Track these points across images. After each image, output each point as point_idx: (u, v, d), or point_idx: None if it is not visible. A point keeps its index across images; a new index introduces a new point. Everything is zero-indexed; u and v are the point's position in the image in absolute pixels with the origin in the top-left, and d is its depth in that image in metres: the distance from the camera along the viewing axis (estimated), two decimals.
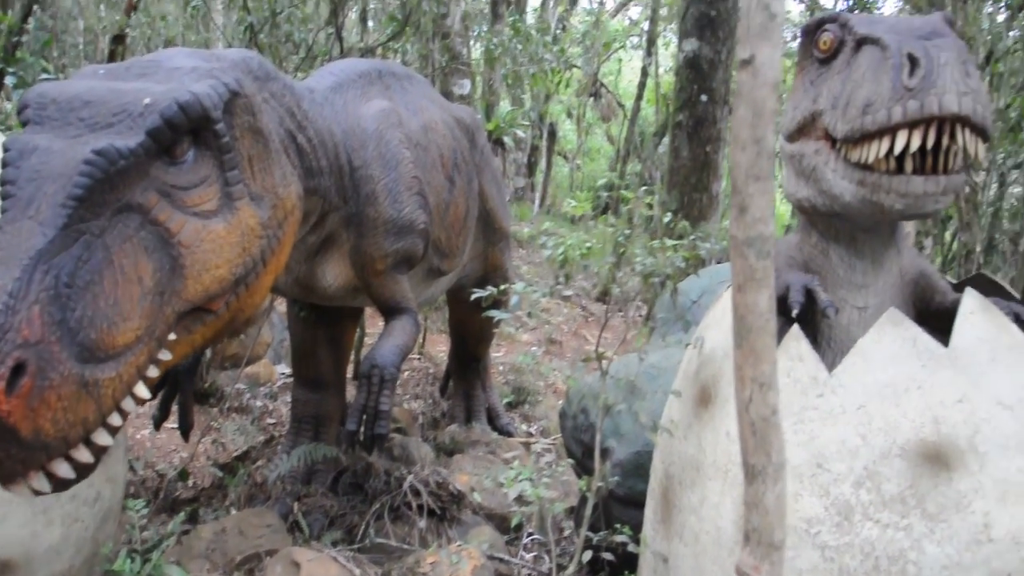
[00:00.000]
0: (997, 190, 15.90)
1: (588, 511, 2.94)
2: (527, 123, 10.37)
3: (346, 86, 3.92)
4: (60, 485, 2.03)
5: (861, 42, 2.45)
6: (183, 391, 3.86)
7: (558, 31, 16.53)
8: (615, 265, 3.00)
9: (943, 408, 2.30)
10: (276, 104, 3.02)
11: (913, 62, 2.25)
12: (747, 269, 1.24)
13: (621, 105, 19.04)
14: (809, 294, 2.50)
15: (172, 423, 4.35)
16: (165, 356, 2.31)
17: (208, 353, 5.88)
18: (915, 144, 2.28)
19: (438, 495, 4.29)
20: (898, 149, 2.30)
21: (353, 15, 9.25)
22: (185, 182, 2.42)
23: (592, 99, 18.77)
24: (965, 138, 2.27)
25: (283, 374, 6.91)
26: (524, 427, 6.53)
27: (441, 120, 4.54)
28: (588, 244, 2.83)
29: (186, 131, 2.40)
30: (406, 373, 7.59)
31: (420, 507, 4.17)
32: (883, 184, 2.39)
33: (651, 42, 17.04)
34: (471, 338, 6.00)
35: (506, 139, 10.05)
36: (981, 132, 2.29)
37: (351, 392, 5.31)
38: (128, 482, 4.05)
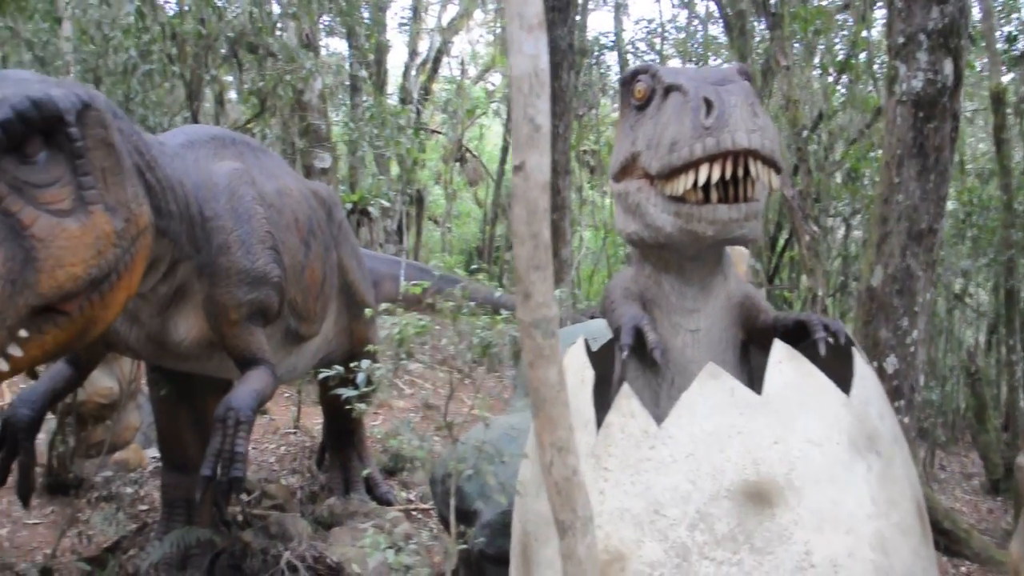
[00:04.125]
0: (844, 236, 16.89)
1: (448, 572, 3.03)
2: (393, 192, 10.54)
3: (198, 145, 3.98)
4: None
5: (668, 90, 2.78)
6: (25, 450, 3.76)
7: (418, 100, 16.83)
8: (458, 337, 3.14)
9: (761, 450, 2.53)
10: (125, 139, 3.04)
11: (708, 105, 2.56)
12: (536, 348, 1.40)
13: (487, 169, 19.46)
14: (639, 334, 2.73)
15: (33, 518, 4.18)
16: (15, 352, 2.42)
17: (71, 441, 5.70)
18: (715, 176, 2.59)
19: (315, 569, 4.32)
20: (701, 181, 2.61)
21: (209, 99, 9.26)
22: (37, 179, 2.51)
23: (458, 164, 19.11)
24: (758, 169, 2.60)
25: (154, 458, 6.73)
26: (403, 494, 6.55)
27: (296, 188, 4.62)
28: (423, 322, 2.96)
29: (38, 129, 2.50)
30: (282, 448, 7.51)
31: None
32: (694, 214, 2.69)
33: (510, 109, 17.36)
34: (343, 410, 6.01)
35: (371, 209, 10.20)
36: (771, 163, 2.62)
37: None
38: None
